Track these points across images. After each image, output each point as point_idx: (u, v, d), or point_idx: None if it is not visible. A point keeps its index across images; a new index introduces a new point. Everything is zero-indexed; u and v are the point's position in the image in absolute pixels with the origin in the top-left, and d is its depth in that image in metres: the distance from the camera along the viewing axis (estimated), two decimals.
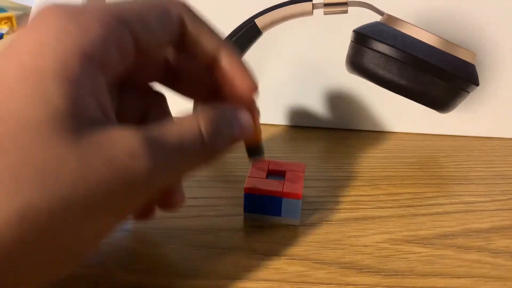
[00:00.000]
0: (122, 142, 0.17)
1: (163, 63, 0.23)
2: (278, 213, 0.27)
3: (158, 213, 0.28)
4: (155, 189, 0.19)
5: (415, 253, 0.26)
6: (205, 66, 0.22)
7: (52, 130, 0.16)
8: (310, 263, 0.25)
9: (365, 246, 0.26)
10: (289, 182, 0.27)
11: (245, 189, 0.27)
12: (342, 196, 0.31)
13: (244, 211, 0.28)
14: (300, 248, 0.26)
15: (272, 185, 0.27)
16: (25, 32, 0.18)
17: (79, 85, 0.17)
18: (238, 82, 0.22)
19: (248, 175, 0.28)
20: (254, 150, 0.25)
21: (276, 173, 0.29)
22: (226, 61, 0.22)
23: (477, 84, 0.32)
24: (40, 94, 0.16)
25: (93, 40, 0.17)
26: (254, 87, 0.22)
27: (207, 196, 0.30)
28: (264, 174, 0.28)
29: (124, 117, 0.22)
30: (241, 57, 0.22)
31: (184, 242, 0.26)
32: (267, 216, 0.27)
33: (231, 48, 0.22)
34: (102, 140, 0.17)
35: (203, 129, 0.20)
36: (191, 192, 0.31)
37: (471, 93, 0.32)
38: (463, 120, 0.40)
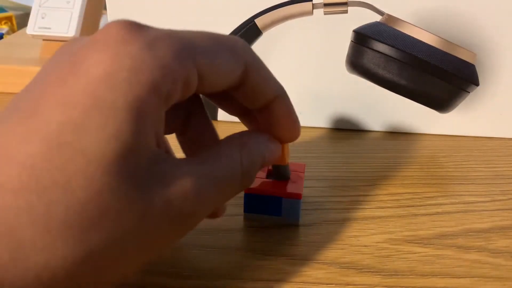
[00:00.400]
0: (178, 185, 0.17)
1: None
2: (278, 213, 0.27)
3: None
4: (200, 220, 0.20)
5: (415, 253, 0.26)
6: (254, 106, 0.22)
7: (121, 171, 0.16)
8: (310, 263, 0.25)
9: (365, 246, 0.26)
10: (289, 182, 0.27)
11: (245, 188, 0.27)
12: (342, 196, 0.31)
13: (244, 211, 0.28)
14: (300, 248, 0.26)
15: (272, 185, 0.27)
16: (95, 53, 0.16)
17: (147, 121, 0.16)
18: (285, 130, 0.23)
19: None
20: (280, 170, 0.27)
21: None
22: (279, 110, 0.22)
23: (477, 84, 0.32)
24: (110, 129, 0.15)
25: (166, 76, 0.17)
26: (296, 137, 0.24)
27: None
28: (264, 174, 0.28)
29: (168, 127, 0.22)
30: (292, 108, 0.23)
31: (184, 242, 0.26)
32: (267, 216, 0.27)
33: (286, 97, 0.22)
34: (161, 182, 0.17)
35: (243, 159, 0.21)
36: None
37: (471, 93, 0.32)
38: (463, 120, 0.40)
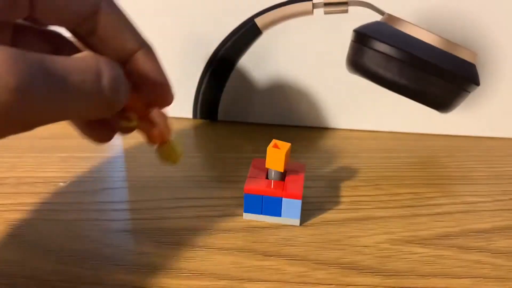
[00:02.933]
0: None
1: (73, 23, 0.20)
2: (278, 214, 0.27)
3: (158, 212, 0.28)
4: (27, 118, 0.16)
5: (416, 253, 0.26)
6: (116, 56, 0.20)
7: None
8: (310, 264, 0.25)
9: (366, 246, 0.26)
10: (289, 182, 0.27)
11: (245, 189, 0.27)
12: (342, 196, 0.31)
13: (244, 211, 0.28)
14: (300, 248, 0.26)
15: (272, 185, 0.27)
16: None
17: None
18: (152, 90, 0.21)
19: (248, 175, 0.28)
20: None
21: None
22: (144, 64, 0.21)
23: (477, 83, 0.32)
24: None
25: None
26: (167, 102, 0.22)
27: (207, 196, 0.30)
28: (264, 174, 0.28)
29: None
30: (160, 66, 0.21)
31: (184, 242, 0.26)
32: (267, 216, 0.27)
33: (152, 53, 0.21)
34: None
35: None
36: (191, 192, 0.31)
37: (471, 92, 0.32)
38: (463, 120, 0.40)
